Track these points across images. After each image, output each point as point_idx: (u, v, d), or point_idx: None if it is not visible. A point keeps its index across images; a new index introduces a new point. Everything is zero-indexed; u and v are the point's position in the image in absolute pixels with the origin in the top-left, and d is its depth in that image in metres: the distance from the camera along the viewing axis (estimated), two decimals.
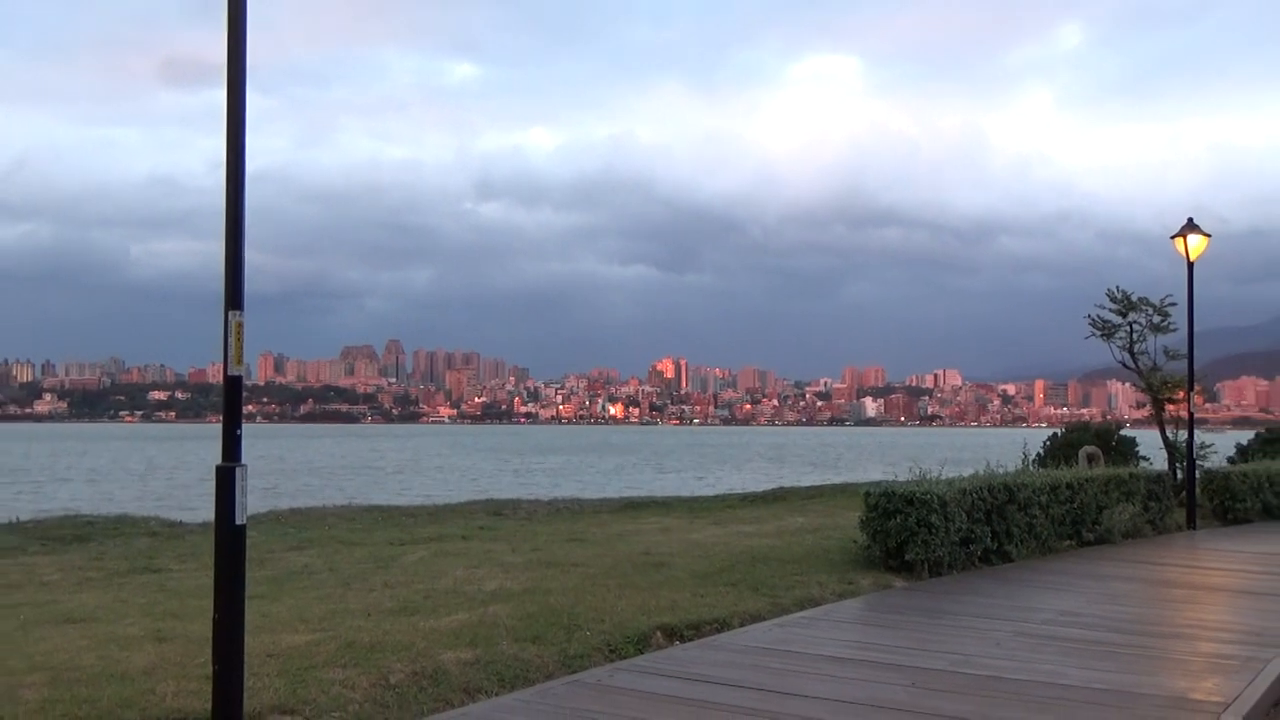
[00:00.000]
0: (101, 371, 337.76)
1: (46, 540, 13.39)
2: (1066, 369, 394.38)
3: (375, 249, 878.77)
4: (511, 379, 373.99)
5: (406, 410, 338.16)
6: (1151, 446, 23.09)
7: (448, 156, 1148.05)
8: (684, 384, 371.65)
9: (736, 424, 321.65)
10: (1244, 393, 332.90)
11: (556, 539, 13.86)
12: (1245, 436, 30.59)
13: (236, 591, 5.81)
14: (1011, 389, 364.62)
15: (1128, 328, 21.61)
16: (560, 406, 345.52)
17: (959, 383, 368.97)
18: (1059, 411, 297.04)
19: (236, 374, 5.90)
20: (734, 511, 18.77)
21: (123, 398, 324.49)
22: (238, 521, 5.80)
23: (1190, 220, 19.20)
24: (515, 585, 10.08)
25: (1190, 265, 19.01)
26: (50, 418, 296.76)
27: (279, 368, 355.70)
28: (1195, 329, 19.63)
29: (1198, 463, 20.09)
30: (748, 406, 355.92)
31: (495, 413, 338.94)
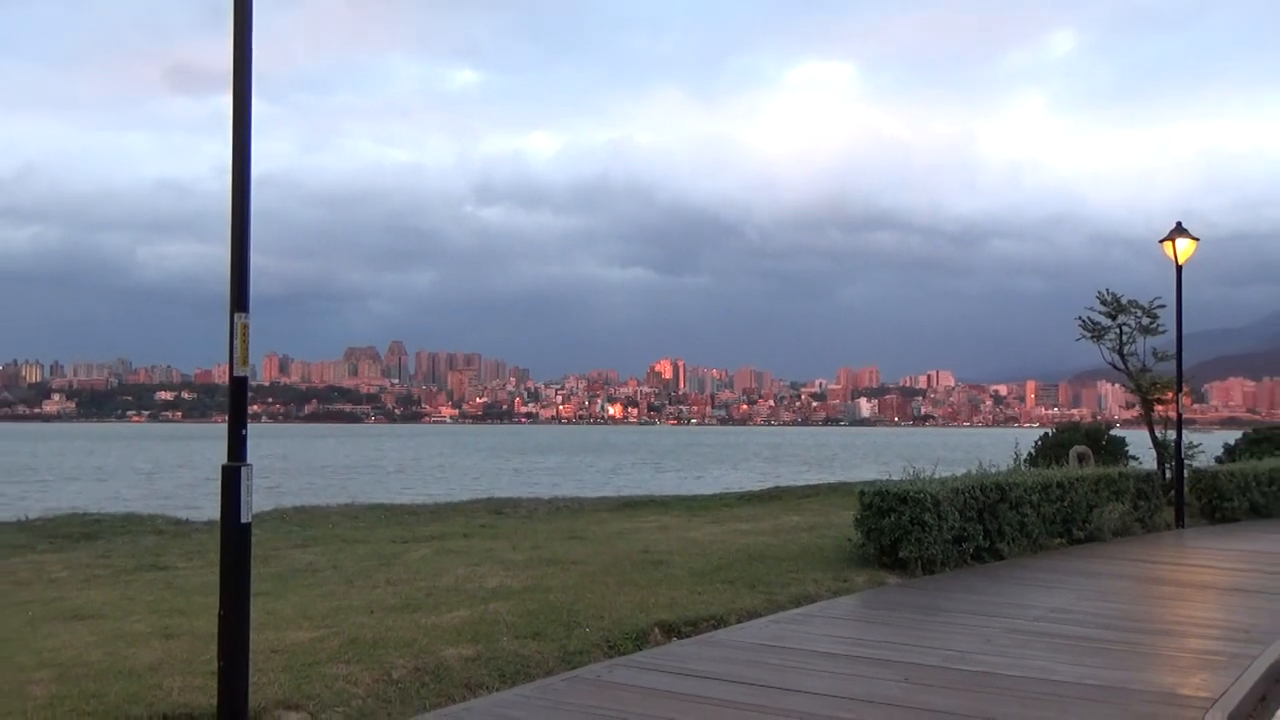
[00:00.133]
0: (109, 372, 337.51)
1: (54, 538, 13.45)
2: (1057, 370, 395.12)
3: (378, 252, 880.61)
4: (512, 380, 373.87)
5: (409, 410, 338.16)
6: (1141, 446, 23.21)
7: (449, 161, 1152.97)
8: (682, 385, 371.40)
9: (733, 424, 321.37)
10: (1231, 394, 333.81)
11: (556, 537, 13.94)
12: (1232, 436, 30.69)
13: (242, 588, 5.86)
14: (1003, 390, 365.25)
15: (1117, 330, 21.71)
16: (560, 407, 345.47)
17: (952, 384, 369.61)
18: (1050, 412, 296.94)
19: (242, 375, 5.94)
20: (731, 510, 18.85)
21: (130, 398, 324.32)
22: (243, 520, 5.85)
23: (1179, 224, 19.33)
24: (516, 582, 10.17)
25: (1179, 268, 19.15)
26: (58, 417, 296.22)
27: (284, 368, 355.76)
28: (1184, 331, 19.75)
29: (1186, 462, 20.21)
30: (744, 407, 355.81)
31: (496, 413, 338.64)
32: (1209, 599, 11.79)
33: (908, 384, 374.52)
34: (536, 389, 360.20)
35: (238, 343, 5.87)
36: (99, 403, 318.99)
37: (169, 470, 61.91)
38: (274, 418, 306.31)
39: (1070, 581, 12.19)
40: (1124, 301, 21.57)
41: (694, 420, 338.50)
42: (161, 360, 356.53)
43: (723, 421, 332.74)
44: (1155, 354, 21.70)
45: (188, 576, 10.58)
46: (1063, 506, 15.19)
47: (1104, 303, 21.76)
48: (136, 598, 9.39)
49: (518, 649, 7.67)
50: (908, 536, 11.85)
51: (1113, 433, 26.02)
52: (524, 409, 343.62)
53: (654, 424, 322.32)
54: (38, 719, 5.86)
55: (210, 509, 12.65)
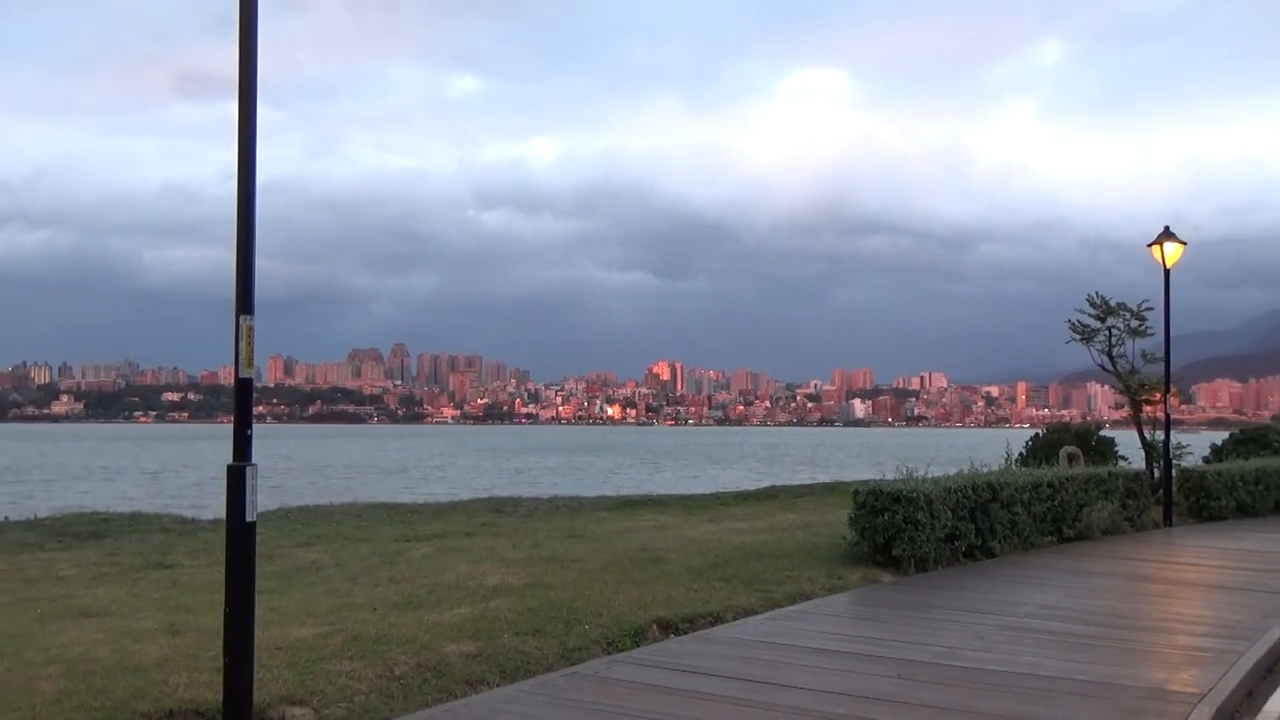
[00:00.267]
0: (117, 374, 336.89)
1: (63, 536, 13.55)
2: (1048, 372, 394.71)
3: (381, 256, 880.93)
4: (513, 381, 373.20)
5: (411, 411, 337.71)
6: (1130, 446, 23.31)
7: (451, 167, 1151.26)
8: (679, 386, 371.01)
9: (730, 425, 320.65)
10: (1218, 395, 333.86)
11: (556, 535, 14.01)
12: (1220, 437, 30.74)
13: (247, 586, 5.90)
14: (995, 391, 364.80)
15: (1107, 332, 21.86)
16: (560, 408, 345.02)
17: (944, 385, 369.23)
18: (1040, 413, 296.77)
19: (247, 376, 5.99)
20: (727, 509, 18.93)
21: (137, 399, 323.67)
22: (248, 519, 5.89)
23: (1166, 229, 19.45)
24: (516, 580, 10.25)
25: (1166, 272, 19.29)
26: (67, 418, 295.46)
27: (288, 370, 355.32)
28: (1171, 333, 19.93)
29: (1174, 462, 20.32)
30: (741, 408, 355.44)
31: (497, 414, 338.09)
32: (1196, 596, 11.91)
33: (901, 385, 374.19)
34: (536, 390, 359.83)
35: (243, 345, 5.92)
36: (106, 404, 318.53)
37: (175, 470, 61.83)
38: (279, 418, 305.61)
39: (1060, 579, 12.30)
40: (1113, 304, 21.74)
41: (691, 421, 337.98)
42: (168, 362, 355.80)
43: (719, 422, 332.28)
44: (1144, 356, 21.87)
45: (194, 574, 10.67)
46: (1053, 505, 15.32)
47: (1093, 305, 21.92)
48: (143, 595, 9.47)
49: (518, 646, 7.76)
50: (901, 535, 11.97)
51: (1102, 433, 26.09)
52: (524, 410, 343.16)
53: (652, 425, 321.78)
54: (46, 714, 5.94)
55: (216, 508, 12.73)
